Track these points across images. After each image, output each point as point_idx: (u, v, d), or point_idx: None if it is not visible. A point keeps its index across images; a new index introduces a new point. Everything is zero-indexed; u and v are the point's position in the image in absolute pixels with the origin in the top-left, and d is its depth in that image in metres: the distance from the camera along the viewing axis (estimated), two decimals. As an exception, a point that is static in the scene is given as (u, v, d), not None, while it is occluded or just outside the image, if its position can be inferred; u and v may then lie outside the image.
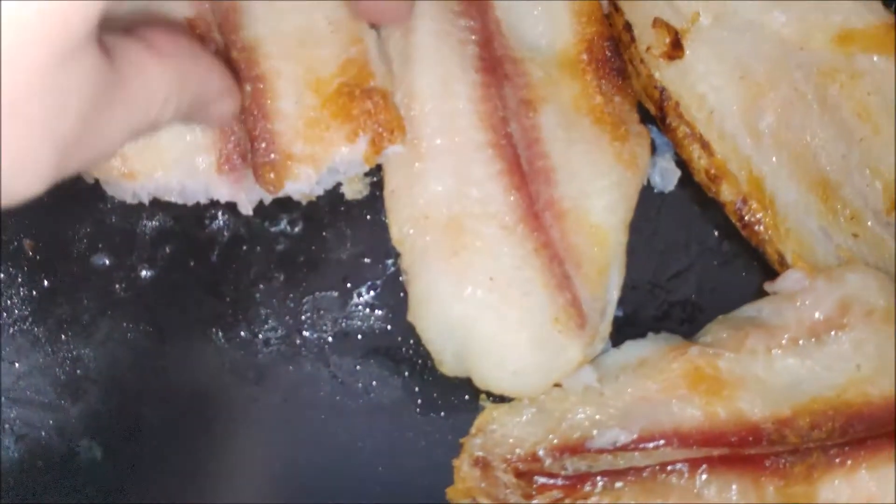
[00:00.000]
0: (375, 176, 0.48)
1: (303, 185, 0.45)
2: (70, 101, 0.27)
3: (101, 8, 0.26)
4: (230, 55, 0.45)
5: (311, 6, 0.46)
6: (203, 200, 0.46)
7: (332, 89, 0.45)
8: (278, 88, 0.44)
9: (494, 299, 0.44)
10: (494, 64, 0.47)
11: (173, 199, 0.45)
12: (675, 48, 0.50)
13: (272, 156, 0.44)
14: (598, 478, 0.44)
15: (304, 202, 0.48)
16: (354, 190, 0.49)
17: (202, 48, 0.41)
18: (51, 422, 0.46)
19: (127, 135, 0.32)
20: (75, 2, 0.25)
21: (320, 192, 0.47)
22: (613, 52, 0.49)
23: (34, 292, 0.47)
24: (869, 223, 0.50)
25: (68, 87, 0.27)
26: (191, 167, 0.45)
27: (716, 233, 0.51)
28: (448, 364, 0.46)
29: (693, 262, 0.51)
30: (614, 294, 0.47)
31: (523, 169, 0.46)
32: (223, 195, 0.45)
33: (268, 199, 0.46)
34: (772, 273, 0.49)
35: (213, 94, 0.39)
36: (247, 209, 0.46)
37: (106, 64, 0.29)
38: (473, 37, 0.48)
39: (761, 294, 0.49)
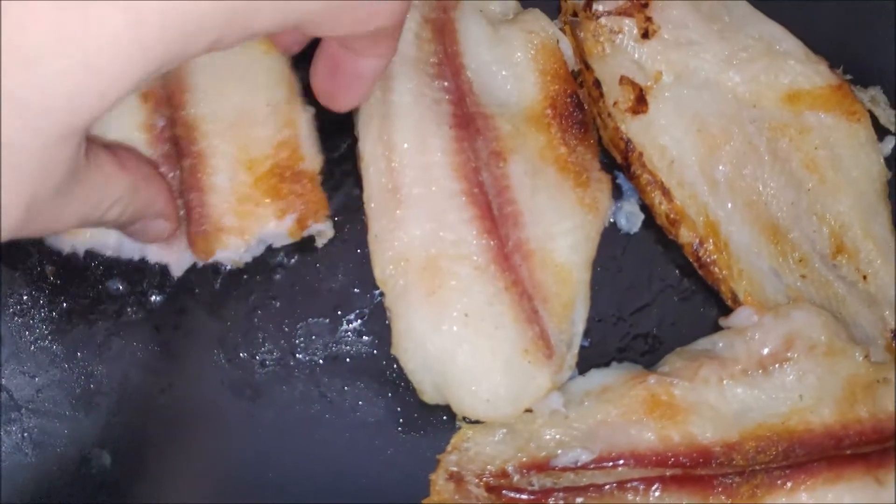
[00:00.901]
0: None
1: (232, 253, 0.49)
2: (51, 175, 0.31)
3: (105, 108, 0.30)
4: (174, 130, 0.49)
5: (255, 88, 0.50)
6: (136, 258, 0.49)
7: (265, 169, 0.48)
8: (214, 165, 0.48)
9: (469, 333, 0.48)
10: (467, 120, 0.51)
11: (109, 254, 0.49)
12: (640, 103, 0.54)
13: (204, 227, 0.47)
14: (561, 493, 0.47)
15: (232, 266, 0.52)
16: (324, 236, 0.52)
17: (160, 178, 0.46)
18: (66, 431, 0.49)
19: (75, 221, 0.37)
20: (89, 99, 0.29)
21: (248, 259, 0.51)
22: (576, 106, 0.53)
23: (54, 313, 0.51)
24: (816, 265, 0.54)
25: (56, 162, 0.31)
26: None
27: (676, 271, 0.55)
28: (428, 393, 0.50)
29: (655, 298, 0.55)
30: (580, 326, 0.51)
31: (494, 214, 0.50)
32: (155, 257, 0.49)
33: (200, 263, 0.50)
34: (726, 309, 0.53)
35: (154, 213, 0.44)
36: (177, 272, 0.50)
37: (82, 157, 0.34)
38: (447, 96, 0.52)
39: (716, 328, 0.53)
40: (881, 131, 0.57)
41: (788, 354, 0.50)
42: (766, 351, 0.51)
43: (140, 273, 0.51)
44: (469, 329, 0.48)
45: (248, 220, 0.48)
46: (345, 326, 0.52)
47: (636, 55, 0.55)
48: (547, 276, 0.50)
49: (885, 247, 0.54)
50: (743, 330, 0.51)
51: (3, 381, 0.50)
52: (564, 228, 0.51)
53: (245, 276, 0.52)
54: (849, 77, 0.57)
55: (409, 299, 0.49)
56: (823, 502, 0.47)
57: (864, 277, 0.53)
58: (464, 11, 0.56)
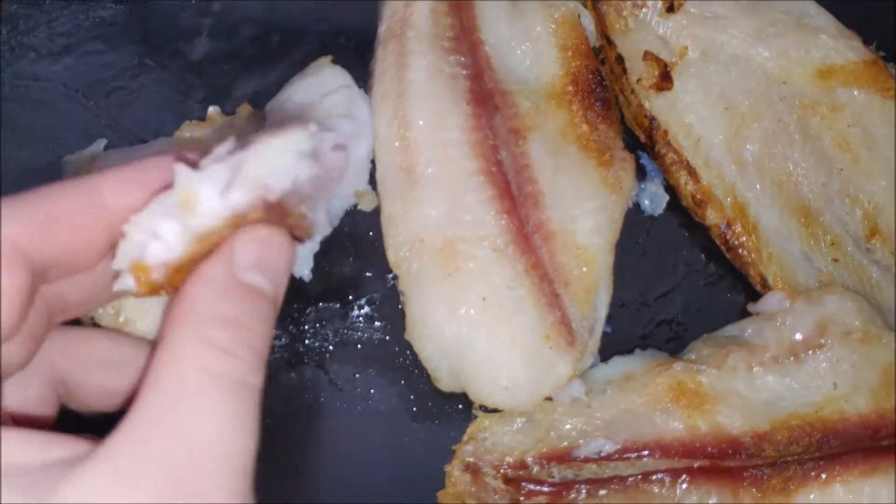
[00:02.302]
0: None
1: None
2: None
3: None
4: None
5: None
6: None
7: None
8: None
9: (487, 318, 0.46)
10: (485, 96, 0.50)
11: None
12: (665, 80, 0.52)
13: None
14: (583, 486, 0.45)
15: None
16: (368, 202, 0.50)
17: None
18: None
19: None
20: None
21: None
22: (598, 83, 0.51)
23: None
24: (849, 249, 0.52)
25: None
26: None
27: (702, 255, 0.53)
28: (444, 380, 0.48)
29: (680, 283, 0.53)
30: (602, 312, 0.49)
31: (513, 194, 0.48)
32: None
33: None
34: (754, 295, 0.51)
35: None
36: None
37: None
38: (464, 71, 0.50)
39: (744, 314, 0.51)
40: (916, 110, 0.55)
41: (821, 341, 0.48)
42: (797, 337, 0.48)
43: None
44: (487, 314, 0.46)
45: None
46: (356, 311, 0.50)
47: (661, 30, 0.53)
48: (568, 259, 0.48)
49: (921, 229, 0.51)
50: (773, 316, 0.49)
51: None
52: (586, 209, 0.49)
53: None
54: (881, 54, 0.55)
55: (424, 283, 0.47)
56: (859, 496, 0.44)
57: (900, 261, 0.51)
58: (483, -15, 0.54)
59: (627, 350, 0.50)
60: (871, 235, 0.51)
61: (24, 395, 0.35)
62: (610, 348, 0.50)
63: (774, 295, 0.50)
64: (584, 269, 0.48)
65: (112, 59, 0.55)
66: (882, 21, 0.57)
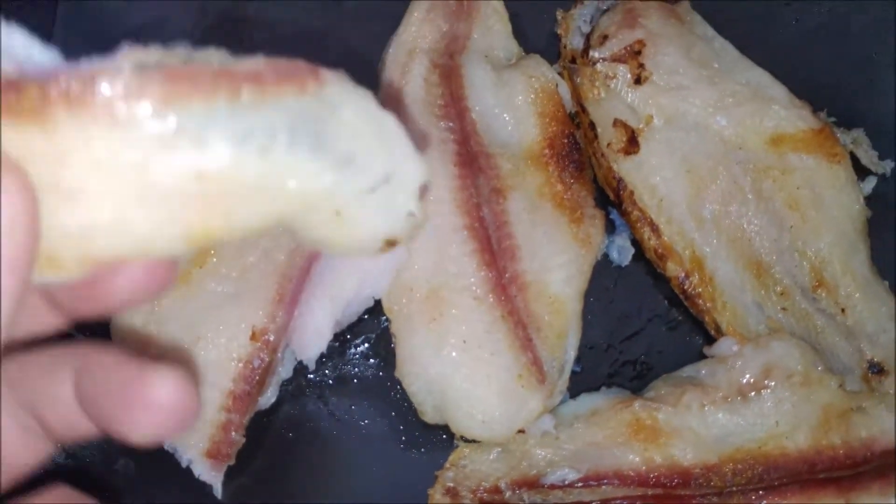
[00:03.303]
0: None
1: None
2: None
3: None
4: None
5: None
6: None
7: None
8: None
9: (467, 359, 0.51)
10: (470, 158, 0.55)
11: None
12: (632, 144, 0.58)
13: None
14: (550, 509, 0.51)
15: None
16: None
17: None
18: (94, 443, 0.54)
19: None
20: None
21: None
22: (572, 147, 0.57)
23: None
24: (797, 298, 0.57)
25: None
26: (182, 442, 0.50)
27: (665, 302, 0.58)
28: (429, 414, 0.53)
29: (644, 327, 0.58)
30: (571, 354, 0.55)
31: (493, 248, 0.53)
32: (200, 473, 0.50)
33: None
34: (711, 339, 0.57)
35: None
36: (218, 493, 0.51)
37: None
38: (452, 136, 0.56)
39: (702, 357, 0.56)
40: (863, 171, 0.61)
41: (767, 383, 0.53)
42: (745, 379, 0.54)
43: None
44: (467, 355, 0.52)
45: None
46: (353, 350, 0.57)
47: (629, 99, 0.59)
48: (541, 307, 0.54)
49: (863, 282, 0.57)
50: (725, 359, 0.55)
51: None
52: (559, 262, 0.54)
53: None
54: (833, 119, 0.61)
55: (412, 326, 0.53)
56: (795, 523, 0.50)
57: (843, 311, 0.56)
58: (470, 57, 0.60)
59: (595, 387, 0.56)
60: (817, 286, 0.57)
61: None
62: (579, 385, 0.56)
63: (726, 340, 0.55)
64: (556, 316, 0.54)
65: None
66: (836, 89, 0.63)
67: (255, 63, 0.26)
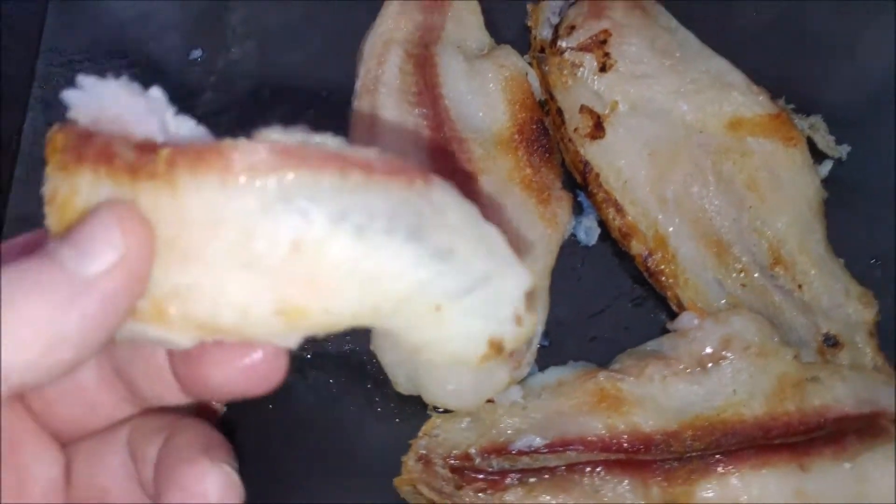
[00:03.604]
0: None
1: None
2: None
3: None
4: None
5: None
6: None
7: None
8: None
9: (440, 332, 0.55)
10: (443, 143, 0.58)
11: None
12: (598, 130, 0.61)
13: None
14: (517, 474, 0.53)
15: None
16: None
17: None
18: None
19: None
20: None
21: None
22: (541, 132, 0.60)
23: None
24: (755, 275, 0.59)
25: None
26: None
27: (629, 280, 0.61)
28: (402, 385, 0.56)
29: (610, 304, 0.61)
30: (539, 329, 0.57)
31: (464, 228, 0.56)
32: None
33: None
34: (673, 314, 0.59)
35: None
36: None
37: None
38: (426, 122, 0.59)
39: (665, 332, 0.59)
40: (821, 155, 0.63)
41: (725, 354, 0.55)
42: (705, 351, 0.56)
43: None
44: (439, 329, 0.55)
45: None
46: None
47: (595, 86, 0.62)
48: (509, 284, 0.56)
49: (818, 260, 0.59)
50: (686, 332, 0.57)
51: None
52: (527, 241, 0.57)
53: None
54: (792, 106, 0.63)
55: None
56: (750, 485, 0.52)
57: (800, 287, 0.59)
58: (443, 47, 0.63)
59: (562, 361, 0.58)
60: (774, 264, 0.59)
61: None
62: (547, 359, 0.58)
63: (688, 315, 0.58)
64: (523, 292, 0.57)
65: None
66: (796, 76, 0.66)
67: (369, 153, 0.27)
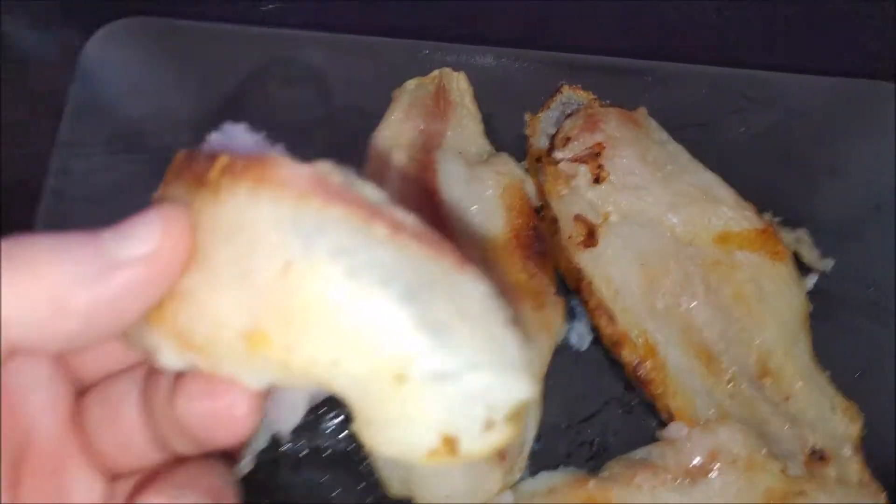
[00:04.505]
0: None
1: None
2: None
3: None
4: None
5: None
6: None
7: None
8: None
9: (433, 434, 0.55)
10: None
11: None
12: (590, 238, 0.63)
13: None
14: (505, 583, 0.54)
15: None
16: None
17: None
18: None
19: None
20: None
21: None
22: (537, 238, 0.62)
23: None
24: (743, 386, 0.60)
25: None
26: None
27: (621, 386, 0.62)
28: (395, 487, 0.56)
29: (600, 409, 0.62)
30: (531, 433, 0.58)
31: (457, 332, 0.58)
32: None
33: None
34: (664, 422, 0.61)
35: None
36: None
37: None
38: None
39: (654, 439, 0.60)
40: (807, 268, 0.65)
41: (713, 466, 0.57)
42: (694, 462, 0.57)
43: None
44: (432, 432, 0.56)
45: None
46: (327, 423, 0.60)
47: (589, 196, 0.64)
48: (501, 389, 0.57)
49: (805, 372, 0.61)
50: (674, 442, 0.58)
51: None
52: (519, 346, 0.58)
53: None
54: (778, 219, 0.66)
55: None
56: None
57: (786, 399, 0.60)
58: (444, 153, 0.66)
59: (553, 465, 0.59)
60: (762, 375, 0.61)
61: None
62: (538, 462, 0.59)
63: (676, 424, 0.59)
64: (515, 397, 0.58)
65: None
66: (783, 190, 0.68)
67: (407, 216, 0.26)
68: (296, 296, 0.25)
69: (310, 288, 0.25)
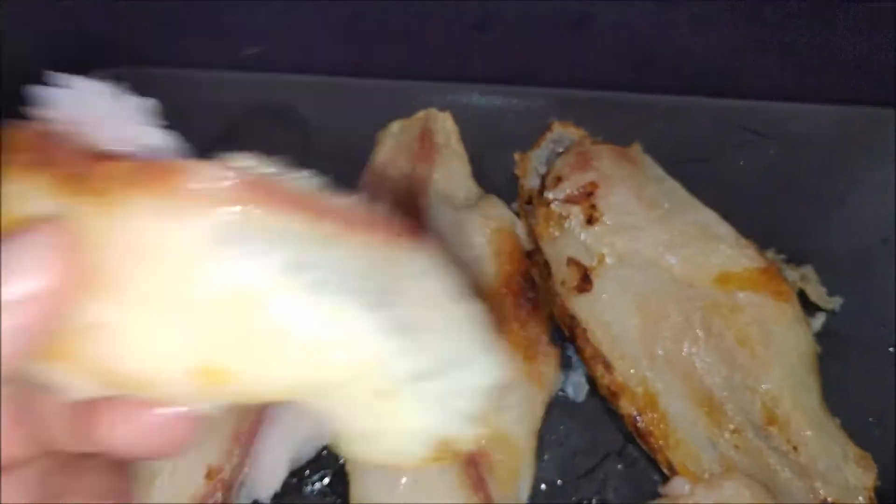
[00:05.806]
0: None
1: None
2: None
3: None
4: None
5: None
6: None
7: None
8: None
9: (421, 498, 0.52)
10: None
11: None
12: (585, 282, 0.60)
13: None
14: None
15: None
16: None
17: None
18: None
19: None
20: None
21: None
22: (528, 285, 0.59)
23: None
24: (749, 436, 0.57)
25: None
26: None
27: (621, 438, 0.59)
28: None
29: (599, 464, 0.59)
30: (524, 493, 0.55)
31: (443, 388, 0.56)
32: None
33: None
34: (666, 477, 0.58)
35: None
36: None
37: None
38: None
39: (656, 495, 0.57)
40: (813, 307, 0.62)
41: (719, 525, 0.54)
42: (698, 520, 0.54)
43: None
44: (420, 494, 0.53)
45: None
46: (310, 486, 0.57)
47: (582, 238, 0.61)
48: (493, 447, 0.55)
49: (814, 419, 0.57)
50: (677, 499, 0.55)
51: None
52: (510, 402, 0.56)
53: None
54: (783, 256, 0.63)
55: (366, 465, 0.54)
56: None
57: (795, 448, 0.57)
58: (432, 199, 0.63)
59: (549, 526, 0.57)
60: (768, 424, 0.58)
61: None
62: (533, 523, 0.56)
63: (678, 480, 0.56)
64: (508, 455, 0.55)
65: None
66: (786, 227, 0.65)
67: (349, 201, 0.24)
68: (254, 321, 0.23)
69: (268, 312, 0.23)
